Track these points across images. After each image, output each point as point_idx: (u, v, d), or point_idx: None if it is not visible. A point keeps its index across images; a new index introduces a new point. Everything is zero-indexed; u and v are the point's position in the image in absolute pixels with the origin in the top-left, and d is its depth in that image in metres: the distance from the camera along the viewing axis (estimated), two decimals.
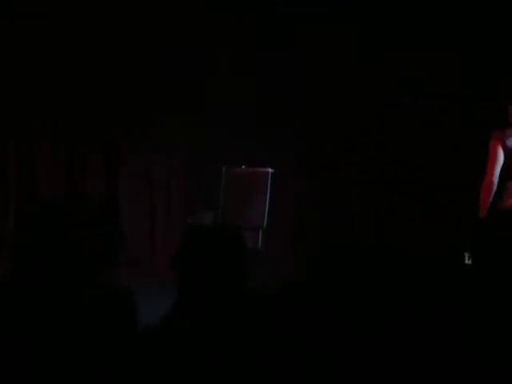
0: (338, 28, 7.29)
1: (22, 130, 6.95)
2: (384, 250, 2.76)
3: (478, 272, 5.00)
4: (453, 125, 7.10)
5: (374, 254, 2.71)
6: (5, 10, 6.65)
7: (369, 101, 7.33)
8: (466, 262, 5.20)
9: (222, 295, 2.64)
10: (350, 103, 7.37)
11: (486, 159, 5.37)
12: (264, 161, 7.07)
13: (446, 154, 7.12)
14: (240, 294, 2.68)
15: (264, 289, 2.84)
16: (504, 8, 6.83)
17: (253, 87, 7.39)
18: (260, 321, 2.58)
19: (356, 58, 7.34)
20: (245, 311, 2.62)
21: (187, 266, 2.67)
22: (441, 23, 7.11)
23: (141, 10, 7.13)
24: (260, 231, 6.06)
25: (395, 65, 7.28)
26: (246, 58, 7.39)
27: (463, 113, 7.05)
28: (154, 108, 7.31)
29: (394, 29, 7.22)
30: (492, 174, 5.33)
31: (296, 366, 2.47)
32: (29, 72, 6.85)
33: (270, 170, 6.37)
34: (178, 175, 7.52)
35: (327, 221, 7.24)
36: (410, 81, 7.28)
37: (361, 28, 7.28)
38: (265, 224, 6.15)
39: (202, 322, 2.58)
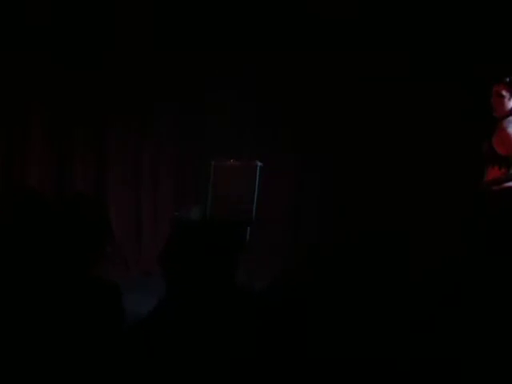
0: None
1: (11, 117, 6.91)
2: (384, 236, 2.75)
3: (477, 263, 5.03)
4: (452, 123, 7.09)
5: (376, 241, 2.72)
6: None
7: (368, 100, 7.33)
8: None
9: (209, 289, 2.65)
10: (349, 102, 7.38)
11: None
12: (261, 151, 7.07)
13: (445, 153, 7.10)
14: (228, 288, 2.68)
15: (252, 283, 2.85)
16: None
17: (253, 85, 7.41)
18: (248, 315, 2.58)
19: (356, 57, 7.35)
20: (233, 305, 2.63)
21: (174, 260, 2.68)
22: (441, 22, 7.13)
23: (140, 9, 7.15)
24: (248, 225, 6.04)
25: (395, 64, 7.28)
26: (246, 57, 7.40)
27: (462, 112, 7.04)
28: (148, 97, 7.30)
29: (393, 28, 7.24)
30: None
31: (285, 361, 2.48)
32: (20, 65, 6.84)
33: (259, 164, 6.34)
34: (167, 168, 7.48)
35: (324, 214, 7.27)
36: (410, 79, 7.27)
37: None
38: (253, 218, 6.13)
39: (189, 317, 2.59)
